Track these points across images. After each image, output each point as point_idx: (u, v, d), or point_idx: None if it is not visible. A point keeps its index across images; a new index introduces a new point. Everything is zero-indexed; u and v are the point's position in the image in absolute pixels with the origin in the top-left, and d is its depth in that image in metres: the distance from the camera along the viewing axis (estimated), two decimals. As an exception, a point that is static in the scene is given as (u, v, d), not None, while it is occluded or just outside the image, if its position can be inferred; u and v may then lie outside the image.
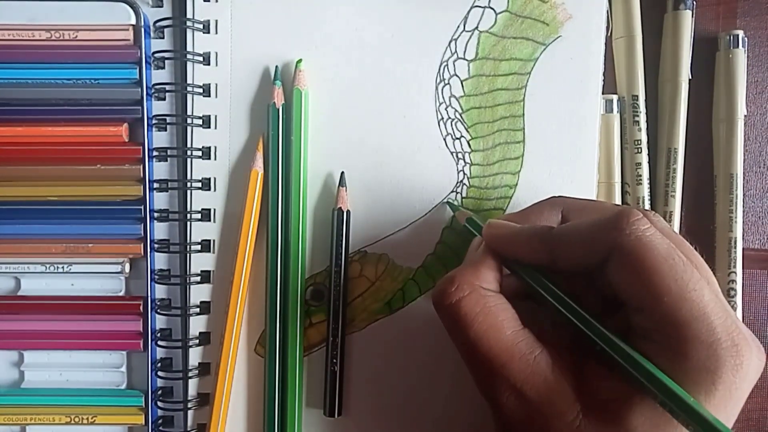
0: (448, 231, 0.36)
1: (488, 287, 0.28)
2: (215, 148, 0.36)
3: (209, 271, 0.36)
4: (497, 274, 0.29)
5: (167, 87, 0.35)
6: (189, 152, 0.35)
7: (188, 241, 0.36)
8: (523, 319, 0.27)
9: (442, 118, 0.36)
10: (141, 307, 0.35)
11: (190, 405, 0.36)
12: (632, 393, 0.24)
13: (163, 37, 0.36)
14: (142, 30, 0.34)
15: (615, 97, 0.37)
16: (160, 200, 0.36)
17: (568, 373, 0.26)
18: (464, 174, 0.36)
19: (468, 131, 0.36)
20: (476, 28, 0.36)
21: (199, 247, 0.36)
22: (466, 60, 0.36)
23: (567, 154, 0.36)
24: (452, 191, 0.36)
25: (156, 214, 0.36)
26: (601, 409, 0.25)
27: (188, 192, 0.36)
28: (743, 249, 0.37)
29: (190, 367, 0.36)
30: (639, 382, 0.24)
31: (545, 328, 0.27)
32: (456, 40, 0.36)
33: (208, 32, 0.35)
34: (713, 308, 0.24)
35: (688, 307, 0.24)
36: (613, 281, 0.26)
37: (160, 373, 0.36)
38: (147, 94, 0.35)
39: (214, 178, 0.36)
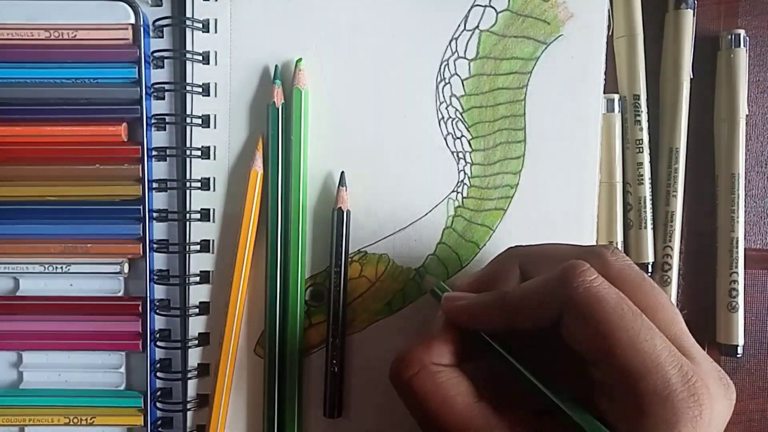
0: (449, 231, 0.36)
1: (440, 362, 0.27)
2: (215, 147, 0.36)
3: (208, 272, 0.36)
4: (453, 347, 0.28)
5: (166, 86, 0.35)
6: (188, 152, 0.35)
7: (187, 241, 0.35)
8: (483, 385, 0.27)
9: (443, 118, 0.36)
10: (140, 308, 0.35)
11: (189, 406, 0.36)
12: None
13: (162, 37, 0.36)
14: (142, 29, 0.34)
15: (616, 97, 0.37)
16: (159, 200, 0.36)
17: None
18: (465, 174, 0.36)
19: (469, 130, 0.36)
20: (477, 27, 0.36)
21: (198, 247, 0.36)
22: (467, 59, 0.36)
23: (568, 153, 0.36)
24: (453, 191, 0.36)
25: (155, 214, 0.36)
26: None
27: (187, 192, 0.35)
28: (745, 249, 0.37)
29: (189, 368, 0.36)
30: None
31: (509, 389, 0.27)
32: (457, 39, 0.36)
33: (208, 31, 0.35)
34: (666, 358, 0.23)
35: (641, 359, 0.23)
36: (568, 337, 0.25)
37: (159, 374, 0.36)
38: (146, 93, 0.34)
39: (214, 178, 0.36)
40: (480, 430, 0.26)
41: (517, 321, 0.27)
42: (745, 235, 0.37)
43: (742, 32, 0.37)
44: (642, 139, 0.37)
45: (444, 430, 0.26)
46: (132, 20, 0.34)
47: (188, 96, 0.35)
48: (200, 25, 0.35)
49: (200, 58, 0.35)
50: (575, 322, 0.25)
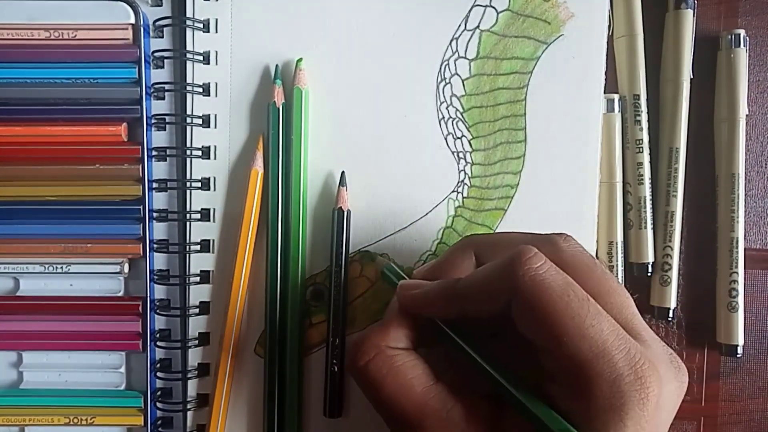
0: (449, 231, 0.36)
1: (396, 345, 0.28)
2: (215, 147, 0.36)
3: (209, 271, 0.36)
4: (409, 331, 0.28)
5: (166, 86, 0.35)
6: (188, 152, 0.35)
7: (188, 241, 0.35)
8: (440, 370, 0.27)
9: (443, 118, 0.36)
10: (140, 308, 0.35)
11: (189, 406, 0.36)
12: None
13: (162, 37, 0.36)
14: (142, 29, 0.34)
15: (616, 97, 0.37)
16: (160, 200, 0.36)
17: (485, 422, 0.26)
18: (465, 174, 0.36)
19: (469, 130, 0.36)
20: (477, 26, 0.36)
21: (198, 247, 0.36)
22: (468, 59, 0.36)
23: (569, 153, 0.36)
24: (453, 191, 0.36)
25: (155, 214, 0.36)
26: None
27: (188, 192, 0.35)
28: (745, 249, 0.37)
29: (189, 368, 0.36)
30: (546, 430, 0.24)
31: (465, 374, 0.27)
32: (457, 39, 0.36)
33: (208, 31, 0.35)
34: (613, 342, 0.24)
35: (588, 345, 0.23)
36: (517, 324, 0.25)
37: (159, 374, 0.36)
38: (146, 93, 0.34)
39: (214, 178, 0.36)
40: (437, 412, 0.26)
41: (469, 309, 0.27)
42: (745, 235, 0.37)
43: (742, 32, 0.37)
44: (642, 139, 0.37)
45: (401, 414, 0.26)
46: (132, 20, 0.34)
47: (188, 96, 0.35)
48: (200, 25, 0.35)
49: (200, 58, 0.35)
50: (522, 310, 0.25)
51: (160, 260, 0.36)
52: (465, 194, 0.36)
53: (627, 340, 0.24)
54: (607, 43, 0.36)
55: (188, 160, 0.35)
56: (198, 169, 0.36)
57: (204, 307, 0.36)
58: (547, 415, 0.24)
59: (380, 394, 0.27)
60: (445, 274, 0.29)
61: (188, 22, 0.35)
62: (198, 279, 0.36)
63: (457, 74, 0.36)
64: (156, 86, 0.35)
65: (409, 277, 0.32)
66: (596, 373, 0.23)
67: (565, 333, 0.24)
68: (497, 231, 0.30)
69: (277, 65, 0.35)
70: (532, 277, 0.24)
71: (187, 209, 0.35)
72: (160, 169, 0.36)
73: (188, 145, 0.35)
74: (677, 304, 0.38)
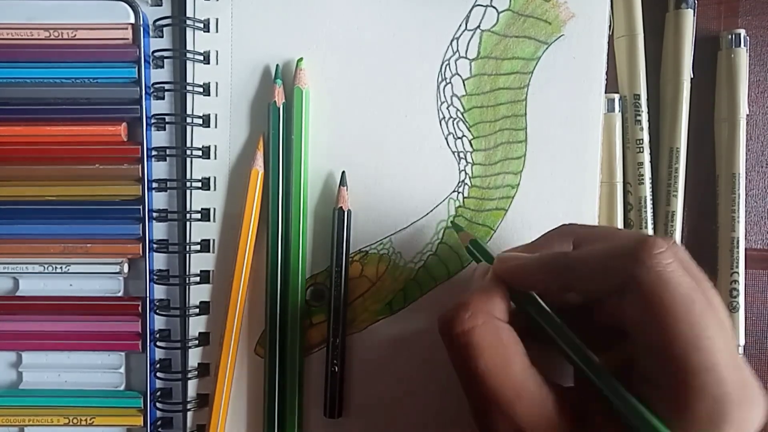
0: (450, 231, 0.36)
1: (501, 317, 0.26)
2: (215, 147, 0.36)
3: (209, 271, 0.36)
4: (508, 305, 0.27)
5: (166, 86, 0.35)
6: (188, 151, 0.35)
7: (188, 241, 0.35)
8: (530, 356, 0.26)
9: (444, 117, 0.36)
10: (140, 308, 0.35)
11: (189, 406, 0.36)
12: None
13: (162, 36, 0.36)
14: (141, 29, 0.34)
15: (617, 97, 0.37)
16: (159, 200, 0.36)
17: (572, 414, 0.25)
18: (466, 174, 0.36)
19: (470, 130, 0.36)
20: (478, 26, 0.36)
21: (198, 247, 0.35)
22: (468, 59, 0.36)
23: (569, 153, 0.36)
24: (454, 191, 0.36)
25: (155, 214, 0.35)
26: None
27: (188, 192, 0.35)
28: (746, 249, 0.37)
29: (189, 368, 0.36)
30: None
31: (550, 366, 0.26)
32: (458, 38, 0.36)
33: (208, 31, 0.35)
34: (725, 359, 0.23)
35: (699, 357, 0.22)
36: (626, 315, 0.24)
37: (159, 374, 0.36)
38: (146, 93, 0.34)
39: (214, 178, 0.36)
40: (532, 395, 0.24)
41: (573, 285, 0.26)
42: (745, 235, 0.37)
43: (742, 32, 0.37)
44: (642, 139, 0.37)
45: (496, 391, 0.24)
46: (132, 20, 0.34)
47: (188, 96, 0.35)
48: (201, 25, 0.35)
49: (201, 57, 0.35)
50: (639, 303, 0.23)
51: (159, 260, 0.36)
52: (465, 194, 0.36)
53: (736, 360, 0.23)
54: (608, 43, 0.36)
55: (188, 159, 0.35)
56: (198, 168, 0.35)
57: (204, 307, 0.36)
58: (650, 420, 0.23)
59: (478, 364, 0.25)
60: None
61: (188, 22, 0.35)
62: (198, 279, 0.36)
63: (458, 74, 0.36)
64: (156, 86, 0.35)
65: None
66: (701, 386, 0.22)
67: (679, 338, 0.22)
68: (540, 235, 0.29)
69: (277, 65, 0.35)
70: (658, 272, 0.23)
71: (187, 209, 0.35)
72: (160, 169, 0.36)
73: (188, 144, 0.35)
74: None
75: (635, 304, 0.24)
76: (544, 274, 0.26)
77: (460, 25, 0.36)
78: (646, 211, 0.37)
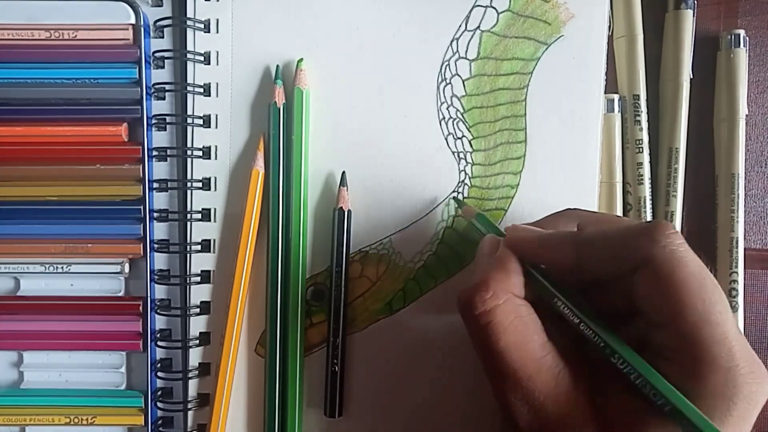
0: (449, 231, 0.36)
1: (519, 295, 0.27)
2: (216, 147, 0.36)
3: (209, 271, 0.36)
4: (524, 280, 0.27)
5: (167, 86, 0.35)
6: (189, 152, 0.35)
7: (188, 241, 0.35)
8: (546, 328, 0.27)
9: (444, 118, 0.36)
10: (140, 308, 0.35)
11: (190, 405, 0.36)
12: (649, 415, 0.24)
13: (162, 37, 0.36)
14: (142, 29, 0.34)
15: (616, 97, 0.37)
16: (160, 200, 0.36)
17: (587, 389, 0.26)
18: (466, 174, 0.36)
19: (469, 131, 0.36)
20: (478, 27, 0.36)
21: (199, 247, 0.36)
22: (468, 59, 0.36)
23: (569, 153, 0.36)
24: (453, 191, 0.36)
25: (156, 214, 0.36)
26: (617, 428, 0.25)
27: (188, 192, 0.35)
28: (745, 249, 0.37)
29: (190, 368, 0.36)
30: (667, 410, 0.23)
31: (563, 343, 0.27)
32: (458, 39, 0.36)
33: (209, 31, 0.35)
34: (735, 333, 0.24)
35: (711, 330, 0.23)
36: (638, 293, 0.25)
37: (159, 374, 0.36)
38: (147, 93, 0.34)
39: (215, 178, 0.36)
40: (550, 370, 0.25)
41: (587, 263, 0.26)
42: (744, 235, 0.37)
43: (741, 32, 0.37)
44: (642, 139, 0.37)
45: (515, 367, 0.25)
46: (132, 20, 0.34)
47: (189, 96, 0.35)
48: (201, 26, 0.35)
49: (201, 58, 0.35)
50: (652, 280, 0.24)
51: (160, 260, 0.36)
52: (465, 194, 0.36)
53: (743, 337, 0.24)
54: (607, 43, 0.36)
55: (189, 160, 0.36)
56: (199, 169, 0.36)
57: (204, 307, 0.36)
58: (668, 389, 0.24)
59: (499, 342, 0.25)
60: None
61: (189, 23, 0.35)
62: (198, 279, 0.36)
63: (458, 75, 0.36)
64: (156, 86, 0.35)
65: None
66: (714, 358, 0.23)
67: (692, 312, 0.23)
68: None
69: (277, 65, 0.35)
70: (672, 250, 0.24)
71: (188, 209, 0.35)
72: (160, 170, 0.36)
73: (189, 145, 0.35)
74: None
75: (650, 282, 0.24)
76: (559, 249, 0.27)
77: (460, 26, 0.36)
78: (645, 211, 0.37)
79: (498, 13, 0.36)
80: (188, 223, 0.35)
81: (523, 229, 0.29)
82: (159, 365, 0.36)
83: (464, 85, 0.36)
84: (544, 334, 0.26)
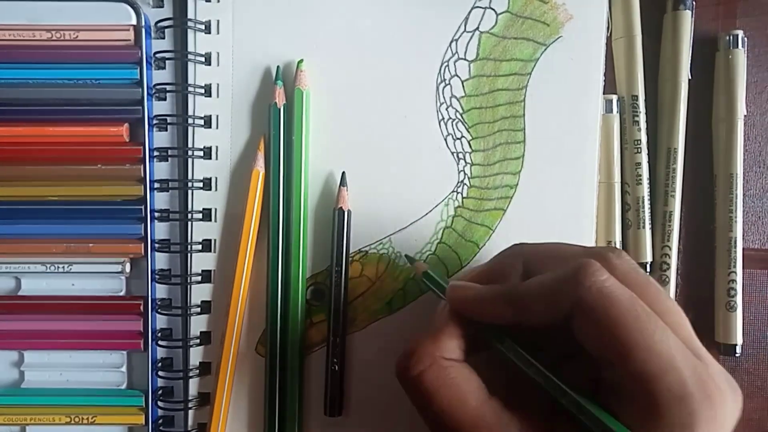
0: (449, 231, 0.36)
1: (451, 356, 0.27)
2: (216, 148, 0.36)
3: (210, 271, 0.36)
4: (461, 341, 0.27)
5: (168, 87, 0.35)
6: (190, 152, 0.35)
7: (189, 240, 0.36)
8: (491, 380, 0.27)
9: (443, 119, 0.36)
10: (141, 307, 0.36)
11: (190, 405, 0.36)
12: None
13: (163, 38, 0.36)
14: (143, 30, 0.34)
15: (615, 97, 0.37)
16: (161, 200, 0.36)
17: None
18: (465, 174, 0.36)
19: (469, 131, 0.36)
20: (477, 28, 0.36)
21: (200, 246, 0.36)
22: (467, 60, 0.36)
23: (567, 154, 0.36)
24: (453, 191, 0.36)
25: (157, 214, 0.36)
26: None
27: (189, 192, 0.36)
28: (743, 249, 0.37)
29: (190, 367, 0.36)
30: None
31: (517, 388, 0.27)
32: (457, 40, 0.36)
33: (209, 32, 0.35)
34: (682, 359, 0.23)
35: (656, 360, 0.23)
36: (579, 337, 0.25)
37: (160, 373, 0.36)
38: (148, 94, 0.35)
39: (215, 178, 0.36)
40: (492, 427, 0.25)
41: (525, 316, 0.26)
42: (743, 235, 0.37)
43: (740, 33, 0.37)
44: (640, 140, 0.37)
45: (455, 428, 0.25)
46: (133, 21, 0.34)
47: (190, 97, 0.35)
48: (202, 27, 0.35)
49: (202, 59, 0.35)
50: (587, 322, 0.24)
51: (161, 260, 0.36)
52: (465, 194, 0.36)
53: (692, 358, 0.24)
54: (606, 44, 0.36)
55: (190, 160, 0.36)
56: (199, 169, 0.36)
57: (205, 307, 0.36)
58: (617, 426, 0.24)
59: (433, 406, 0.26)
60: (492, 281, 0.29)
61: (189, 24, 0.35)
62: (199, 278, 0.36)
63: (457, 75, 0.36)
64: (157, 87, 0.35)
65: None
66: (665, 389, 0.23)
67: (633, 346, 0.23)
68: (546, 242, 0.30)
69: (278, 66, 0.35)
70: (599, 289, 0.24)
71: (189, 209, 0.36)
72: (161, 170, 0.36)
73: (190, 145, 0.36)
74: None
75: (584, 326, 0.24)
76: (496, 306, 0.27)
77: (459, 27, 0.36)
78: (643, 211, 0.37)
79: (497, 14, 0.36)
80: (189, 223, 0.36)
81: (461, 287, 0.28)
82: (160, 364, 0.36)
83: (463, 86, 0.36)
84: (482, 392, 0.26)
